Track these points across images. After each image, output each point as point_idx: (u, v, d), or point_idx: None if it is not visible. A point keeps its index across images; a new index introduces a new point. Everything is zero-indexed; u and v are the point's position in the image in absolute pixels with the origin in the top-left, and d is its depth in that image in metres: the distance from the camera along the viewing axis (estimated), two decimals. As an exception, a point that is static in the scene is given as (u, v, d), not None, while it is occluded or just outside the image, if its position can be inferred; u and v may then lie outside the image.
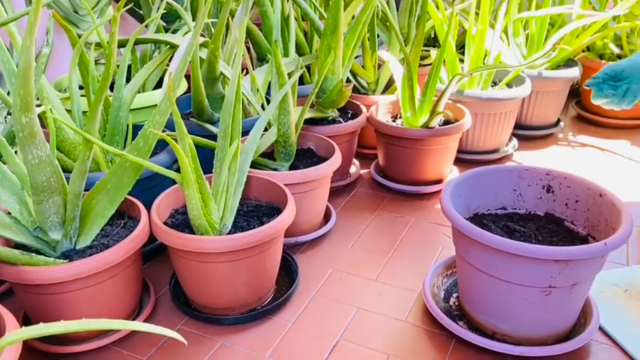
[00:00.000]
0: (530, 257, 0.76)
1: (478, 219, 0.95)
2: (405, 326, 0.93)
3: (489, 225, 0.92)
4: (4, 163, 0.84)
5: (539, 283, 0.78)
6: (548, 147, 1.64)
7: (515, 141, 1.61)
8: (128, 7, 1.55)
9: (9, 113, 1.26)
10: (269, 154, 1.19)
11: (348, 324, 0.93)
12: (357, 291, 1.02)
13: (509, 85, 1.56)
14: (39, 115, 0.73)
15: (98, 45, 1.32)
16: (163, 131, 0.86)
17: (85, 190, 0.86)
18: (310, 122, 1.31)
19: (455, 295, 0.97)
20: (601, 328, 0.90)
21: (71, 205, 0.82)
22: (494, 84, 1.59)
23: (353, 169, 1.44)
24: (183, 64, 0.84)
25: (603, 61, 1.74)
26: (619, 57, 1.78)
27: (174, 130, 0.86)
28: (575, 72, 1.64)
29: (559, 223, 0.94)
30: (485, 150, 1.54)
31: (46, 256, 0.82)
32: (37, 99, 0.88)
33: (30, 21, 0.60)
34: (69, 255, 0.85)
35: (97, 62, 1.41)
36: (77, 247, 0.87)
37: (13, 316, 0.69)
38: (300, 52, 1.54)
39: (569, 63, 1.72)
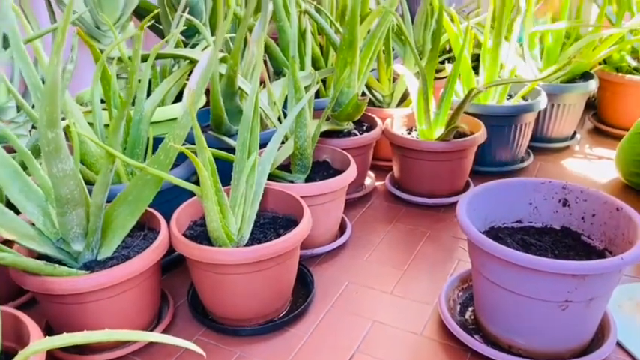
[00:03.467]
0: (546, 271, 0.76)
1: (494, 232, 0.95)
2: (420, 339, 0.93)
3: (505, 238, 0.92)
4: (29, 176, 0.86)
5: (555, 298, 0.78)
6: (564, 160, 1.63)
7: (530, 154, 1.61)
8: (150, 23, 1.58)
9: (33, 127, 1.29)
10: (285, 166, 1.20)
11: (364, 336, 0.94)
12: (372, 303, 1.02)
13: (524, 98, 1.57)
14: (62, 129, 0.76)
15: (119, 60, 1.35)
16: (183, 145, 0.88)
17: (106, 202, 0.87)
18: (326, 135, 1.32)
19: (471, 308, 0.97)
20: (618, 343, 0.90)
21: (93, 217, 0.84)
22: (510, 97, 1.59)
23: (368, 182, 1.45)
24: (204, 80, 0.86)
25: (620, 74, 1.73)
26: (636, 70, 1.78)
27: (193, 144, 0.88)
28: (591, 85, 1.64)
29: (575, 237, 0.93)
30: (501, 163, 1.54)
31: (68, 266, 0.84)
32: (61, 113, 0.90)
33: (57, 40, 0.62)
34: (90, 266, 0.87)
35: (117, 76, 1.44)
36: (98, 258, 0.89)
37: (37, 325, 0.71)
38: (315, 65, 1.56)
39: (585, 76, 1.71)
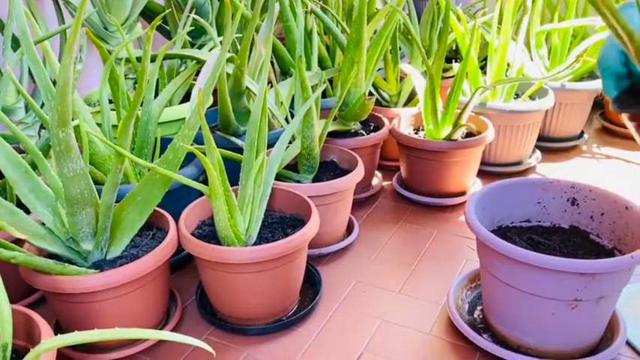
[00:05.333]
0: (555, 270, 0.76)
1: (502, 231, 0.95)
2: (429, 338, 0.93)
3: (513, 237, 0.92)
4: (39, 176, 0.87)
5: (564, 297, 0.78)
6: (571, 159, 1.63)
7: (538, 153, 1.60)
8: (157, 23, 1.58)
9: (42, 127, 1.30)
10: (292, 166, 1.20)
11: (372, 336, 0.94)
12: (380, 303, 1.02)
13: (532, 97, 1.56)
14: (73, 130, 0.76)
15: (127, 60, 1.35)
16: (191, 145, 0.88)
17: (115, 202, 0.88)
18: (333, 135, 1.32)
19: (479, 307, 0.97)
20: (628, 343, 0.89)
21: (103, 216, 0.85)
22: (517, 96, 1.59)
23: (375, 181, 1.45)
24: (212, 80, 0.86)
25: (628, 73, 1.72)
26: (644, 68, 1.77)
27: (201, 144, 0.88)
28: (599, 84, 1.63)
29: (584, 236, 0.93)
30: (509, 162, 1.53)
31: (77, 265, 0.85)
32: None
33: (70, 41, 0.62)
34: (100, 265, 0.88)
35: (125, 77, 1.44)
36: (107, 258, 0.89)
37: (47, 324, 0.72)
38: (322, 65, 1.56)
39: (592, 75, 1.71)
